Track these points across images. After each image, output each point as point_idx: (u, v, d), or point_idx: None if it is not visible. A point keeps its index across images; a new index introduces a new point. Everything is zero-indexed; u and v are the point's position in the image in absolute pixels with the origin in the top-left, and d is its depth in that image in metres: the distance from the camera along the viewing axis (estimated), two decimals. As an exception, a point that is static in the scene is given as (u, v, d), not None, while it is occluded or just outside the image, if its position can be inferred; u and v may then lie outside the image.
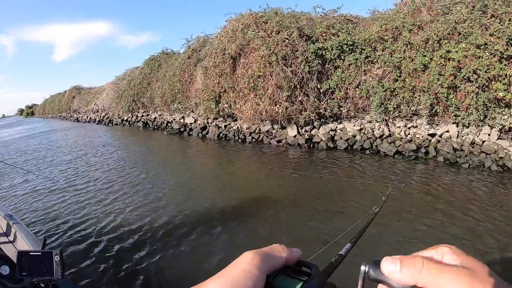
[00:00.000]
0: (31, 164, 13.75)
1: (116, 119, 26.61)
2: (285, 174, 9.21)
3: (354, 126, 13.09)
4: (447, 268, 0.41)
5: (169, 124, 19.87)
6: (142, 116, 23.85)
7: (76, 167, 12.09)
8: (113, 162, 12.42)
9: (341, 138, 12.78)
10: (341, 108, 13.01)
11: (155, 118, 22.30)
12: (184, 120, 18.55)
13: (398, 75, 12.07)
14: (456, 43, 10.75)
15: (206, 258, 4.57)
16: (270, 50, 12.97)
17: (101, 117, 29.53)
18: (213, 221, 5.98)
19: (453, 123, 11.12)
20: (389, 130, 12.05)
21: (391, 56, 12.21)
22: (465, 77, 10.26)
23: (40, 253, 1.88)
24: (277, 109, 12.72)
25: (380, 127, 12.34)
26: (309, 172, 8.97)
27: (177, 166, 11.43)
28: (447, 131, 11.07)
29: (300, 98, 12.78)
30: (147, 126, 22.26)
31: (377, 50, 12.73)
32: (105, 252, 4.84)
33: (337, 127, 13.13)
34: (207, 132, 15.83)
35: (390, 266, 0.43)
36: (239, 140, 14.23)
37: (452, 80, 10.50)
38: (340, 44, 13.05)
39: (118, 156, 13.36)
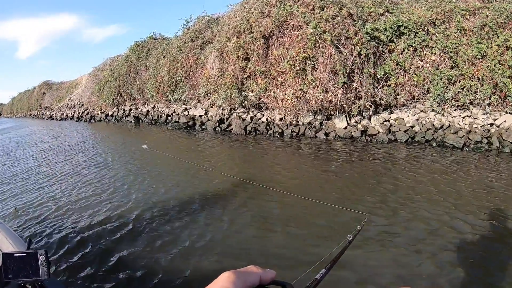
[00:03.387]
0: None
1: (98, 114, 21.21)
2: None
3: (409, 116, 10.04)
4: None
5: (169, 118, 15.29)
6: (131, 109, 18.82)
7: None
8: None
9: (399, 129, 9.52)
10: (397, 96, 9.71)
11: (148, 111, 17.45)
12: (189, 112, 14.14)
13: (455, 62, 10.27)
14: None
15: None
16: (319, 28, 10.16)
17: (80, 113, 23.69)
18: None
19: (509, 112, 9.64)
20: (447, 120, 10.09)
21: (446, 41, 10.39)
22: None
23: (25, 254, 1.62)
24: (330, 97, 9.08)
25: (436, 117, 10.28)
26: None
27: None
28: (505, 121, 9.49)
29: (356, 85, 9.25)
30: (140, 121, 17.34)
31: (429, 34, 10.70)
32: (90, 248, 4.34)
33: (390, 117, 10.67)
34: (227, 126, 11.77)
35: None
36: (276, 135, 10.43)
37: None
38: (396, 25, 10.63)
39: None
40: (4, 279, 1.66)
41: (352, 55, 10.08)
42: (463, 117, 10.15)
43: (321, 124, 10.91)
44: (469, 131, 9.57)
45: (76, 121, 23.58)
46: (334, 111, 10.49)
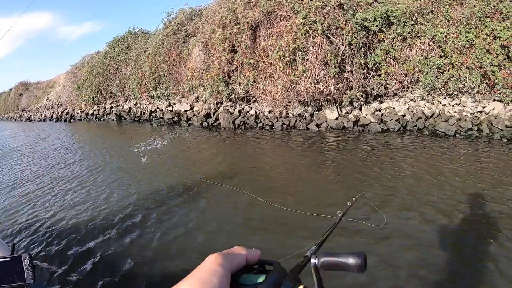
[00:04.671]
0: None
1: (78, 113, 19.69)
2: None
3: (400, 105, 9.59)
4: None
5: (153, 114, 14.17)
6: (112, 107, 17.47)
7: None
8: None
9: (391, 119, 9.02)
10: (388, 86, 9.16)
11: (130, 108, 16.19)
12: (173, 108, 13.11)
13: (443, 51, 9.99)
14: (499, 22, 9.36)
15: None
16: (308, 18, 9.59)
17: (59, 113, 21.97)
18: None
19: (497, 100, 9.46)
20: (437, 109, 9.84)
21: (435, 30, 10.11)
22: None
23: (9, 259, 1.54)
24: (321, 88, 8.38)
25: (426, 105, 10.04)
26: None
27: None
28: (493, 109, 9.35)
29: (347, 75, 8.59)
30: (122, 118, 16.05)
31: (417, 24, 10.38)
32: (73, 251, 4.20)
33: (381, 107, 10.30)
34: (215, 120, 10.87)
35: None
36: (267, 128, 9.64)
37: (503, 58, 9.10)
38: (386, 14, 10.15)
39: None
40: None
41: (343, 45, 9.39)
42: (453, 105, 9.89)
43: (311, 115, 10.27)
44: (459, 119, 9.34)
45: (56, 121, 21.93)
46: (325, 102, 9.82)
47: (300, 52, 9.41)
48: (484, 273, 3.17)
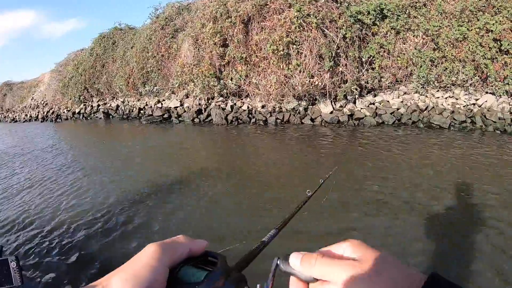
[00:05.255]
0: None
1: (65, 113, 18.78)
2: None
3: (394, 98, 9.33)
4: (336, 262, 0.39)
5: (142, 112, 13.53)
6: (99, 105, 16.70)
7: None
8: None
9: (386, 112, 8.72)
10: (382, 79, 8.88)
11: (118, 106, 15.48)
12: (163, 104, 12.54)
13: (437, 44, 9.89)
14: (491, 16, 9.31)
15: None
16: (303, 11, 9.26)
17: (45, 113, 20.96)
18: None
19: (489, 93, 9.43)
20: (431, 102, 9.67)
21: (428, 24, 9.97)
22: (504, 49, 8.94)
23: None
24: (316, 82, 8.01)
25: (419, 98, 9.88)
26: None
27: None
28: (486, 101, 9.30)
29: (341, 69, 8.25)
30: (110, 117, 15.34)
31: (410, 17, 10.21)
32: (62, 249, 4.10)
33: (375, 100, 10.10)
34: (207, 116, 10.37)
35: (295, 261, 0.42)
36: (260, 123, 9.23)
37: (496, 52, 9.08)
38: (379, 8, 9.92)
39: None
40: None
41: (337, 38, 9.01)
42: (446, 98, 9.77)
43: (305, 109, 9.93)
44: (453, 111, 9.24)
45: (42, 121, 20.92)
46: (319, 96, 9.44)
47: (294, 46, 9.01)
48: (471, 261, 3.11)
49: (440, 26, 9.87)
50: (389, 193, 4.64)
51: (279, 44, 9.09)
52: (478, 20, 9.46)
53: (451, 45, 9.72)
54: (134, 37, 15.98)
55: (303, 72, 9.02)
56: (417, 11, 10.24)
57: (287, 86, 9.30)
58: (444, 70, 9.74)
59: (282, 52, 9.11)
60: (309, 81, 8.91)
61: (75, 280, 3.52)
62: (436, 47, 9.91)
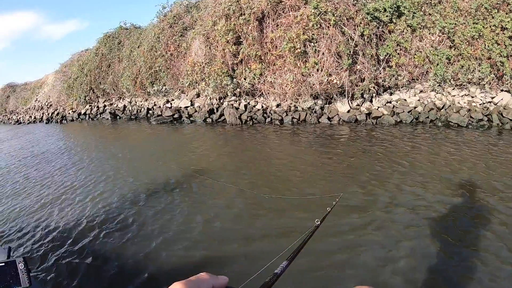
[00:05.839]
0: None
1: (70, 114, 18.35)
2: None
3: (410, 96, 9.00)
4: None
5: (150, 112, 13.17)
6: (105, 106, 16.29)
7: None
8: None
9: (403, 111, 8.46)
10: (399, 77, 8.57)
11: (125, 106, 15.07)
12: (172, 104, 12.18)
13: (453, 42, 9.70)
14: (506, 14, 9.18)
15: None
16: (320, 8, 8.91)
17: (50, 114, 20.49)
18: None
19: (505, 90, 9.19)
20: (447, 100, 9.45)
21: (444, 21, 9.75)
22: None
23: (3, 264, 1.46)
24: (334, 81, 7.68)
25: (436, 96, 9.60)
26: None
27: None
28: (502, 99, 9.05)
29: (359, 67, 7.93)
30: (117, 117, 14.95)
31: (425, 15, 9.98)
32: (69, 251, 4.08)
33: (392, 98, 9.83)
34: (219, 116, 10.02)
35: None
36: (276, 122, 8.90)
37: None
38: (396, 5, 9.69)
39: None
40: None
41: (355, 35, 8.69)
42: (462, 96, 9.56)
43: (322, 108, 9.57)
44: (469, 110, 9.03)
45: (46, 123, 20.41)
46: (336, 94, 9.10)
47: (311, 44, 8.66)
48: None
49: (455, 24, 9.71)
50: (414, 198, 4.43)
51: (296, 42, 8.74)
52: (493, 17, 9.30)
53: (467, 43, 9.55)
54: (140, 36, 15.58)
55: (321, 70, 8.68)
56: (432, 8, 10.06)
57: (304, 85, 8.97)
58: (461, 68, 9.57)
59: (299, 50, 8.77)
60: (327, 79, 8.59)
61: (84, 282, 3.47)
62: (452, 44, 9.72)
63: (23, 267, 1.50)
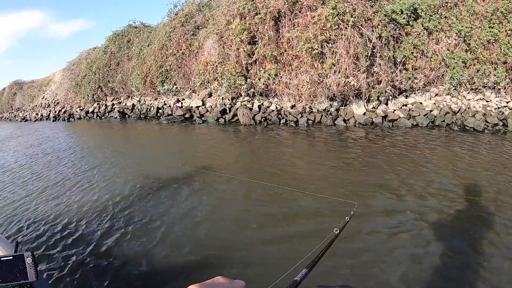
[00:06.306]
0: None
1: (77, 112, 18.12)
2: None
3: (426, 100, 8.92)
4: None
5: (160, 111, 12.99)
6: (113, 104, 16.09)
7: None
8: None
9: (419, 114, 8.36)
10: (415, 80, 8.42)
11: (134, 105, 14.88)
12: (183, 104, 12.01)
13: (469, 45, 9.57)
14: None
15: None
16: (338, 9, 8.77)
17: (57, 112, 20.29)
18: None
19: None
20: (463, 104, 9.28)
21: (460, 24, 9.64)
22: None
23: (12, 257, 1.47)
24: (352, 82, 7.51)
25: (451, 100, 9.46)
26: None
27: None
28: None
29: (376, 69, 7.76)
30: (126, 116, 14.77)
31: (442, 17, 9.82)
32: (76, 247, 4.04)
33: (408, 101, 9.66)
34: (233, 116, 9.86)
35: None
36: (291, 124, 8.73)
37: None
38: (413, 7, 9.53)
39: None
40: None
41: (373, 37, 8.52)
42: (477, 100, 9.39)
43: (337, 110, 9.39)
44: (484, 114, 8.88)
45: (53, 121, 20.17)
46: (353, 96, 8.93)
47: (329, 45, 8.48)
48: None
49: (471, 27, 9.60)
50: (433, 205, 4.28)
51: (313, 43, 8.55)
52: (508, 22, 9.21)
53: (483, 47, 9.45)
54: (150, 35, 15.39)
55: (338, 72, 8.50)
56: (448, 11, 9.95)
57: (320, 86, 8.79)
58: (476, 72, 9.48)
59: (316, 51, 8.58)
60: (345, 81, 8.41)
61: (92, 278, 3.43)
62: (468, 48, 9.60)
63: (31, 261, 1.50)
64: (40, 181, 7.08)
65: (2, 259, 1.50)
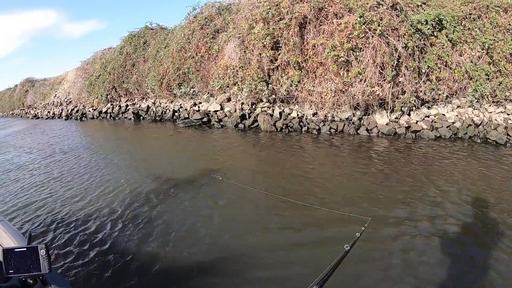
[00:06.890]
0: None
1: (90, 111, 18.00)
2: None
3: (448, 111, 8.80)
4: None
5: (176, 114, 12.87)
6: (127, 105, 15.98)
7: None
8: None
9: (442, 126, 8.35)
10: (438, 91, 8.29)
11: (148, 107, 14.77)
12: (200, 107, 11.87)
13: (491, 57, 9.49)
14: None
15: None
16: (365, 17, 8.67)
17: (69, 111, 20.18)
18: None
19: None
20: (485, 116, 9.16)
21: (483, 37, 9.59)
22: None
23: (25, 249, 1.53)
24: (377, 92, 7.38)
25: (473, 112, 9.37)
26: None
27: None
28: None
29: (401, 79, 7.64)
30: (140, 118, 14.66)
31: (465, 29, 9.81)
32: (89, 241, 4.14)
33: (430, 113, 9.51)
34: (252, 122, 9.70)
35: None
36: (314, 132, 8.62)
37: None
38: (438, 18, 9.46)
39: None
40: (5, 274, 1.54)
41: (399, 47, 8.41)
42: (498, 113, 9.30)
43: (360, 119, 9.22)
44: (506, 127, 8.75)
45: (66, 119, 20.01)
46: (376, 106, 8.80)
47: (355, 53, 8.37)
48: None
49: (494, 40, 9.56)
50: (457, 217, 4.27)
51: (340, 50, 8.44)
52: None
53: (505, 60, 9.41)
54: (167, 37, 15.31)
55: (364, 81, 8.38)
56: (472, 23, 9.94)
57: (345, 95, 8.66)
58: (499, 85, 9.41)
59: (342, 59, 8.46)
60: (371, 90, 8.28)
61: (106, 274, 3.45)
62: (491, 61, 9.55)
63: (44, 253, 1.50)
64: (58, 181, 7.01)
65: (15, 250, 1.51)
